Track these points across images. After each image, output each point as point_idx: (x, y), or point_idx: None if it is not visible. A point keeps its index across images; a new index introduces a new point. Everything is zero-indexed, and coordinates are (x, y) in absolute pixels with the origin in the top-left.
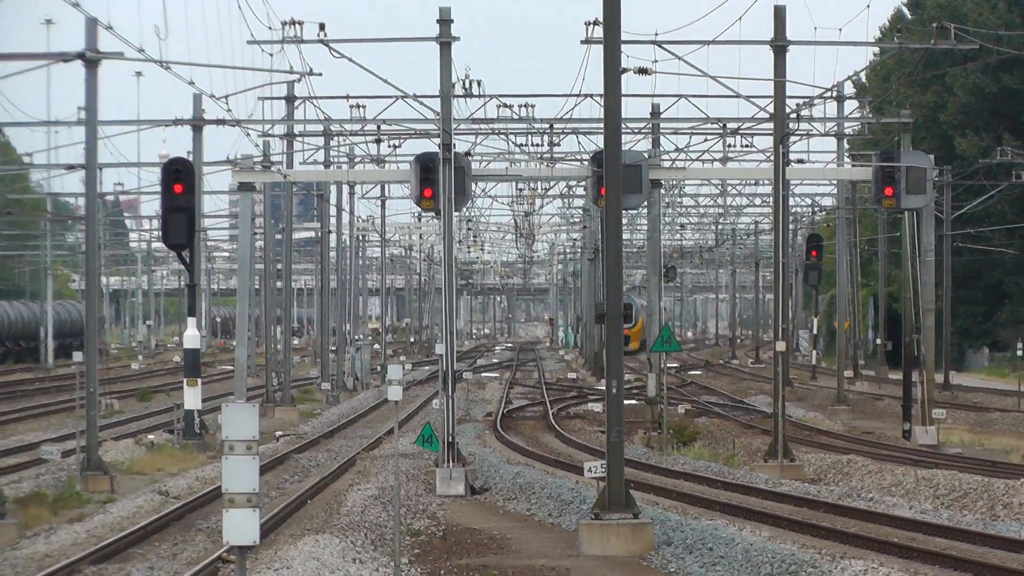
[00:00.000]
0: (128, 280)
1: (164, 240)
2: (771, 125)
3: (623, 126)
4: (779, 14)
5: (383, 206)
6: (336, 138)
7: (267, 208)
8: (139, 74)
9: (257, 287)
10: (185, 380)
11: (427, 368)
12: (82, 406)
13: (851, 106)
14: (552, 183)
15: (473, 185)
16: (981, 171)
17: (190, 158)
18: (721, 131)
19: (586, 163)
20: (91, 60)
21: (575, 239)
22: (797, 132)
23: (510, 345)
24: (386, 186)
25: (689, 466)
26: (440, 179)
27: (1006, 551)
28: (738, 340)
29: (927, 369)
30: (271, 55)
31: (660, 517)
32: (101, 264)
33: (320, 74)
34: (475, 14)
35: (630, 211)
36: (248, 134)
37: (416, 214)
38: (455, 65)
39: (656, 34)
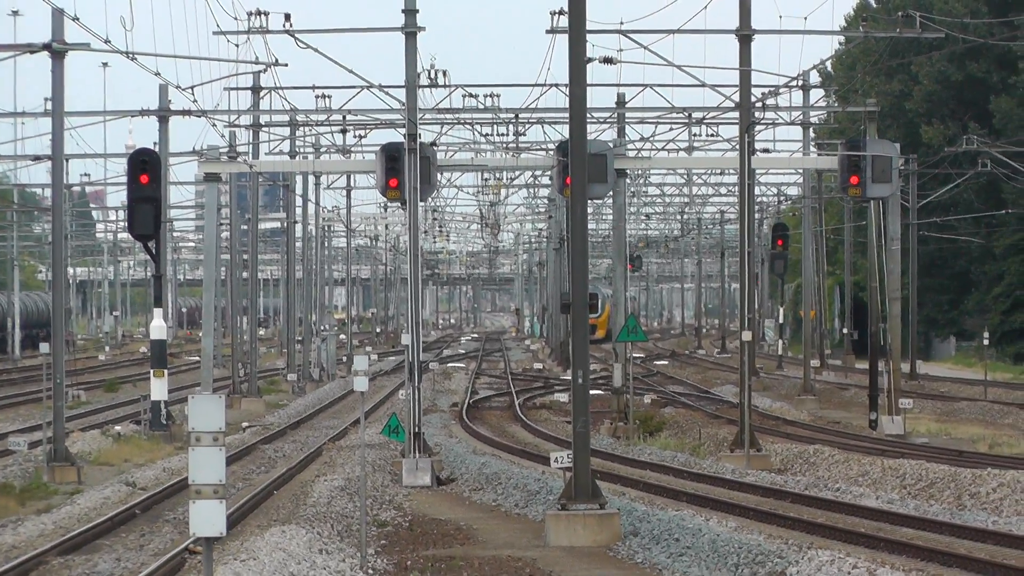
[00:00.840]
0: (95, 271)
1: (130, 231)
2: (737, 114)
3: (588, 116)
4: (744, 3)
5: (349, 196)
6: (302, 128)
7: (233, 198)
8: (105, 65)
9: (223, 277)
10: (152, 371)
11: (393, 358)
12: (49, 397)
13: (817, 95)
14: (517, 173)
15: (439, 175)
16: (947, 160)
17: (156, 149)
18: (687, 120)
19: (551, 153)
20: (57, 51)
21: (540, 229)
22: (763, 121)
23: (476, 335)
24: (352, 176)
25: (655, 456)
26: (405, 169)
27: (973, 541)
28: (704, 330)
29: (893, 358)
30: (237, 46)
31: (627, 507)
32: (68, 255)
33: (286, 64)
34: (441, 3)
35: (595, 200)
36: (214, 125)
37: (382, 204)
38: (420, 55)
39: (621, 23)
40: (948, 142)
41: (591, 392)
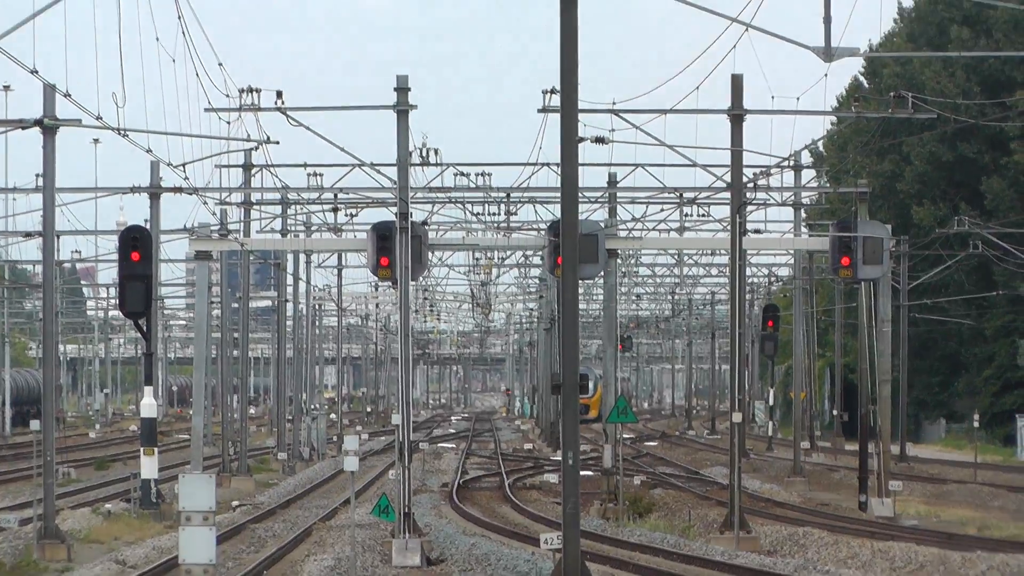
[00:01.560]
0: (85, 348)
1: (121, 308)
2: (728, 194)
3: (580, 195)
4: (736, 83)
5: (340, 275)
6: (293, 206)
7: (224, 276)
8: (96, 141)
9: (214, 356)
10: (142, 449)
11: (383, 438)
12: (39, 474)
13: (808, 175)
14: (509, 252)
15: (430, 254)
16: (938, 241)
17: (147, 226)
18: (678, 200)
19: (543, 232)
20: (49, 127)
21: (531, 308)
22: (754, 201)
23: (466, 415)
24: (343, 255)
25: (645, 538)
26: (396, 248)
27: None
28: (694, 410)
29: (883, 440)
30: (228, 123)
31: None
32: (58, 332)
33: (277, 142)
34: (433, 81)
35: (586, 281)
36: (205, 202)
37: (373, 283)
38: (412, 133)
39: (613, 103)
40: (939, 223)
41: (581, 473)
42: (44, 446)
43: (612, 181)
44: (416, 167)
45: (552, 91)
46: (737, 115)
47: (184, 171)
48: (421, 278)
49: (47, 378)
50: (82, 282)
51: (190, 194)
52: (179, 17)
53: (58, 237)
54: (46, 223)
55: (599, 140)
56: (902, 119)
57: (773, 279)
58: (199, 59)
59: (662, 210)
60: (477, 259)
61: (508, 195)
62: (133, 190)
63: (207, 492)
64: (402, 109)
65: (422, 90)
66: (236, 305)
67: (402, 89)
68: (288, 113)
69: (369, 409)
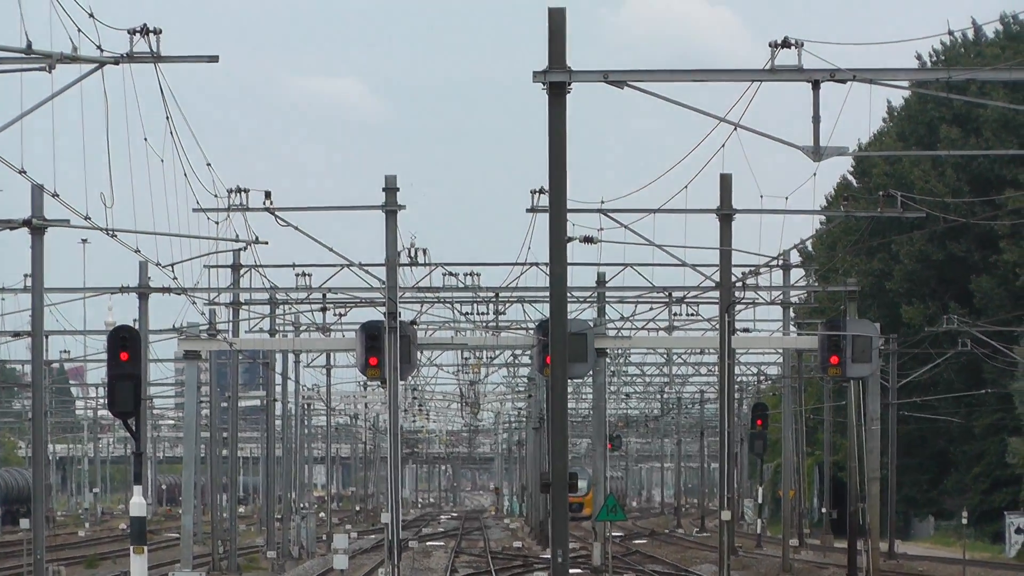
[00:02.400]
0: (75, 447)
1: (110, 408)
2: (717, 294)
3: (568, 295)
4: (725, 182)
5: (329, 374)
6: (282, 306)
7: (213, 376)
8: (85, 241)
9: (203, 455)
10: (132, 548)
11: (373, 536)
12: (30, 573)
13: (797, 274)
14: (498, 352)
15: (419, 354)
16: (927, 339)
17: (136, 326)
18: (667, 300)
19: (532, 332)
20: (37, 227)
21: (520, 408)
22: (743, 301)
23: (456, 514)
24: (332, 354)
25: None
26: (385, 348)
27: None
28: (683, 508)
29: (872, 538)
30: (217, 223)
31: None
32: (48, 431)
33: (266, 242)
34: (421, 180)
35: (575, 380)
36: (194, 302)
37: (362, 382)
38: (400, 233)
39: (602, 202)
40: (929, 322)
41: (570, 571)
42: (35, 545)
43: (601, 280)
44: (405, 267)
45: (540, 191)
46: (726, 215)
47: (173, 271)
48: (410, 377)
49: (37, 477)
50: (71, 382)
51: (179, 294)
52: (167, 117)
53: (47, 337)
54: (35, 323)
55: (588, 240)
56: (891, 218)
57: (762, 378)
58: (187, 159)
59: (651, 309)
60: (466, 358)
61: (497, 294)
62: (122, 290)
63: None
64: (391, 209)
65: (410, 190)
66: (225, 404)
67: (390, 189)
68: (277, 213)
69: (358, 508)
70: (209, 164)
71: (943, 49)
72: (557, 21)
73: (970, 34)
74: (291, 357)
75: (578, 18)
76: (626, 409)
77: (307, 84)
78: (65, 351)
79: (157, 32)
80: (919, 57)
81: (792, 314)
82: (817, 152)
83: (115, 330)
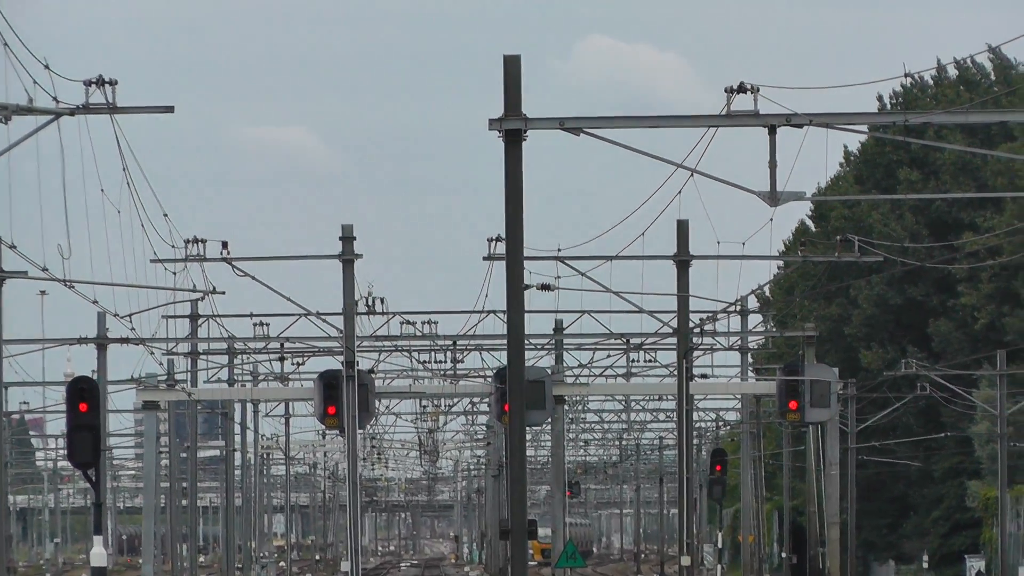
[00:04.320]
0: (35, 498)
1: (70, 459)
2: (675, 340)
3: (526, 342)
4: (682, 229)
5: (287, 424)
6: (240, 356)
7: (172, 426)
8: (43, 292)
9: (163, 505)
10: None
11: None
12: None
13: (755, 320)
14: (456, 400)
15: (377, 402)
16: (886, 383)
17: (95, 376)
18: (624, 346)
19: (489, 379)
20: None
21: (479, 455)
22: (701, 347)
23: (416, 562)
24: (290, 404)
25: None
26: (343, 397)
27: None
28: (643, 555)
29: None
30: (174, 273)
31: None
32: (8, 482)
33: (223, 292)
34: (377, 230)
35: (534, 427)
36: (152, 353)
37: (320, 431)
38: (358, 282)
39: (559, 249)
40: (887, 366)
41: None
42: None
43: (558, 328)
44: (362, 315)
45: (497, 239)
46: (683, 261)
47: (131, 322)
48: (368, 426)
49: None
50: (31, 432)
51: (137, 344)
52: (124, 168)
53: (6, 388)
54: None
55: (545, 287)
56: (849, 262)
57: (721, 423)
58: (144, 210)
59: (608, 356)
60: (424, 406)
61: (454, 343)
62: (80, 341)
63: None
64: (348, 259)
65: (367, 239)
66: (184, 455)
67: (347, 239)
68: (234, 263)
69: (318, 557)
70: (166, 215)
71: (901, 92)
72: (512, 69)
73: (928, 77)
74: (249, 407)
75: (529, 65)
76: (584, 456)
77: (260, 134)
78: (24, 402)
79: (113, 83)
80: (880, 98)
81: (750, 359)
82: (774, 197)
83: (74, 381)
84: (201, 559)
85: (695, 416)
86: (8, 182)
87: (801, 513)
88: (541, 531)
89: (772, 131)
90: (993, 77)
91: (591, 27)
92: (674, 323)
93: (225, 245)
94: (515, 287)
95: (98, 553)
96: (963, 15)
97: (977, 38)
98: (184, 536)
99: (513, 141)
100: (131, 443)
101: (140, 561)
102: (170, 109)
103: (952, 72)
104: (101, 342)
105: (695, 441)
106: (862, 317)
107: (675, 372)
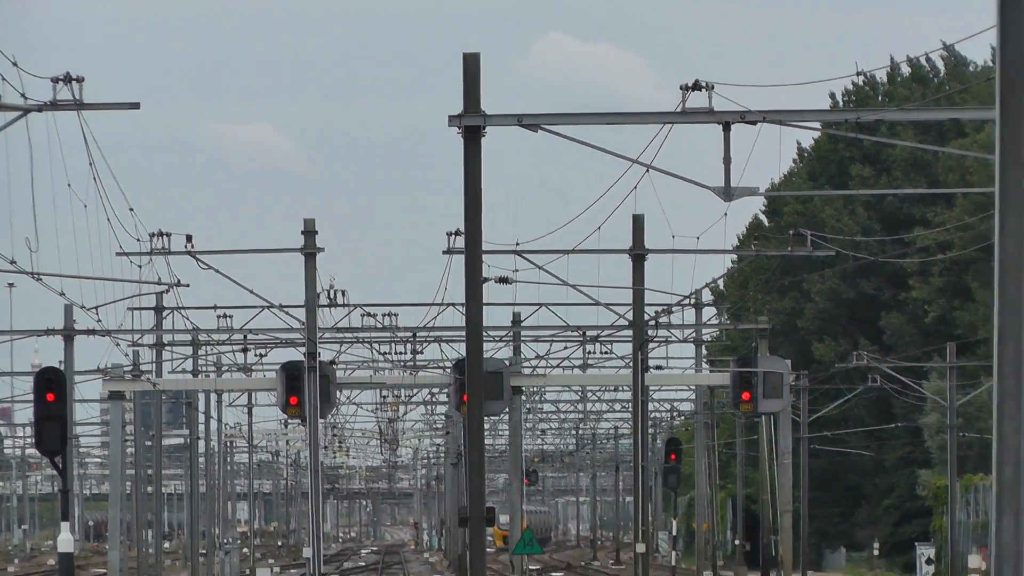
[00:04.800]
0: (3, 485)
1: (37, 447)
2: (630, 332)
3: (484, 334)
4: (637, 223)
5: (250, 413)
6: (204, 347)
7: (137, 415)
8: (11, 285)
9: (128, 492)
10: None
11: (295, 571)
12: None
13: (709, 313)
14: (415, 390)
15: (338, 392)
16: (838, 375)
17: (62, 367)
18: (581, 338)
19: (448, 370)
20: None
21: (438, 444)
22: (656, 339)
23: (376, 548)
24: (253, 394)
25: None
26: (305, 387)
27: None
28: (599, 541)
29: (785, 570)
30: (140, 266)
31: None
32: None
33: (188, 285)
34: (338, 224)
35: (492, 417)
36: (118, 344)
37: (283, 420)
38: (320, 275)
39: (517, 243)
40: (839, 358)
41: None
42: None
43: (516, 320)
44: (324, 308)
45: (456, 233)
46: (638, 255)
47: (97, 314)
48: (329, 415)
49: None
50: (0, 422)
51: (103, 336)
52: (90, 163)
53: None
54: None
55: (503, 280)
56: (802, 256)
57: (675, 413)
58: (110, 204)
59: (565, 348)
60: (384, 397)
61: (414, 335)
62: (47, 333)
63: None
64: (310, 252)
65: (329, 234)
66: (149, 443)
67: (309, 232)
68: (198, 256)
69: (280, 543)
70: (131, 209)
71: (854, 90)
72: (471, 66)
73: (881, 75)
74: (213, 397)
75: (489, 62)
76: (542, 445)
77: (224, 131)
78: None
79: (80, 80)
80: (832, 96)
81: (704, 351)
82: (728, 192)
83: (41, 372)
84: (166, 545)
85: (650, 406)
86: None
87: (754, 501)
88: (501, 519)
89: (726, 128)
90: (945, 75)
91: (550, 26)
92: (630, 316)
93: (189, 239)
94: (474, 280)
95: (65, 539)
96: (917, 16)
97: (932, 37)
98: (150, 523)
99: (472, 137)
100: (97, 432)
101: (107, 547)
102: (136, 106)
103: (905, 70)
104: (68, 333)
105: (650, 431)
106: (815, 310)
107: (631, 363)
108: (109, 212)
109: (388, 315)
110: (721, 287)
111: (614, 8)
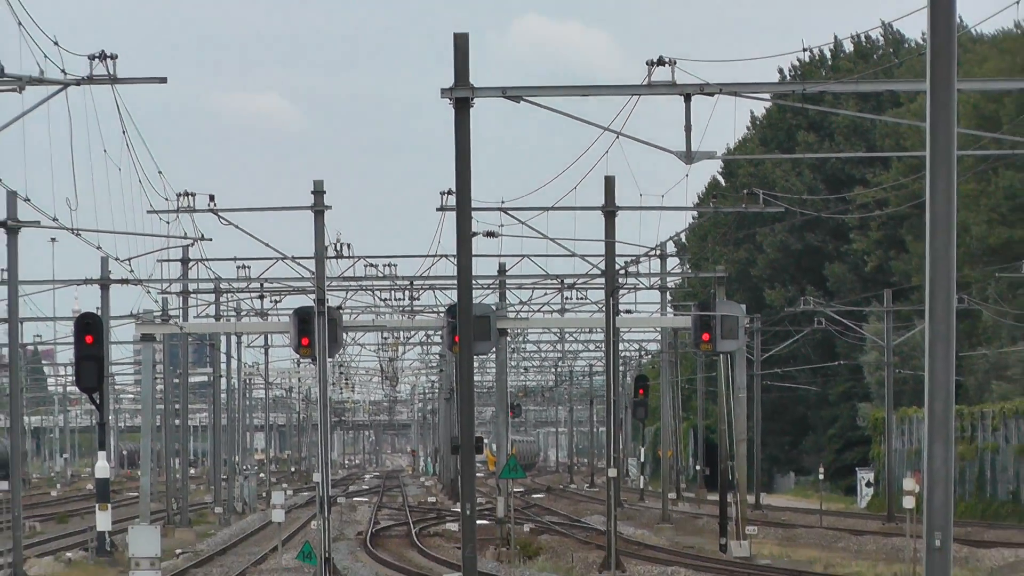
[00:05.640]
0: (47, 418)
1: (77, 384)
2: (603, 280)
3: (474, 283)
4: (609, 184)
5: (266, 353)
6: (225, 295)
7: (166, 356)
8: (54, 240)
9: (158, 424)
10: (97, 505)
11: (306, 494)
12: (8, 528)
13: (673, 263)
14: (413, 332)
15: (344, 334)
16: (787, 318)
17: (99, 313)
18: (559, 286)
19: (442, 315)
20: (12, 228)
21: (433, 380)
22: (625, 286)
23: (377, 474)
24: (269, 336)
25: None
26: (315, 330)
27: None
28: (575, 467)
29: (740, 491)
30: (168, 223)
31: None
32: (23, 405)
33: (211, 239)
34: (344, 182)
35: (480, 356)
36: (149, 292)
37: (295, 360)
38: (328, 230)
39: (502, 201)
40: (788, 303)
41: (477, 522)
42: (13, 504)
43: (502, 270)
44: (331, 259)
45: (448, 192)
46: (610, 211)
47: (130, 265)
48: (337, 355)
49: (14, 445)
50: (43, 362)
51: (135, 285)
52: (123, 131)
53: (22, 323)
54: (11, 312)
55: (490, 234)
56: (755, 213)
57: (643, 353)
58: (141, 167)
59: (545, 294)
60: (385, 338)
61: (411, 283)
62: (86, 282)
63: (153, 541)
64: (318, 209)
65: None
66: (177, 381)
67: (318, 192)
68: (220, 214)
69: (293, 469)
70: (160, 172)
71: (799, 65)
72: (461, 44)
73: (826, 51)
74: (233, 339)
75: (474, 40)
76: (525, 381)
77: (240, 100)
78: (38, 335)
79: (113, 57)
80: (781, 71)
81: (668, 297)
82: (689, 156)
83: (81, 317)
84: (192, 471)
85: (621, 346)
86: (23, 144)
87: (713, 431)
88: (494, 447)
89: (687, 99)
90: (883, 51)
91: (526, 7)
92: (602, 266)
93: (212, 198)
94: (464, 234)
95: (102, 466)
96: None
97: (873, 16)
98: (177, 451)
99: (462, 108)
100: (130, 371)
101: (139, 473)
102: (163, 80)
103: (848, 47)
104: (104, 282)
105: (621, 368)
106: (766, 261)
107: (603, 308)
108: (140, 175)
109: (388, 265)
110: (683, 240)
111: None
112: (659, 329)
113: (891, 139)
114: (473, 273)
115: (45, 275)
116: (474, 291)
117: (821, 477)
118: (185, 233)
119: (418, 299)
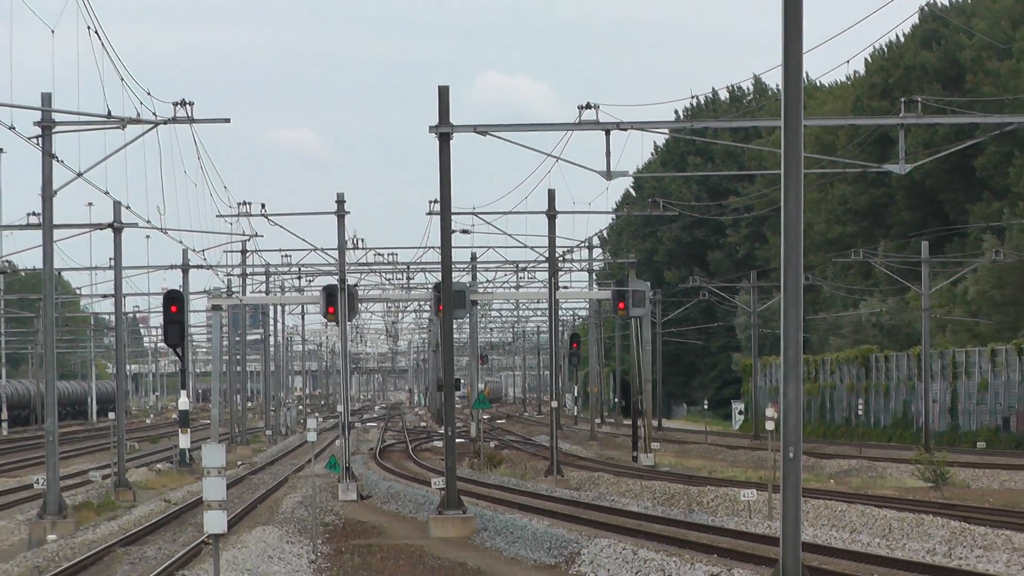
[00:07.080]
0: (143, 367)
1: (165, 341)
2: (547, 265)
3: (453, 267)
4: (551, 195)
5: (303, 319)
6: (272, 276)
7: (230, 320)
8: (148, 236)
9: (224, 370)
10: (179, 429)
11: (332, 420)
12: (114, 446)
13: (597, 252)
14: (409, 303)
15: (359, 305)
16: (680, 292)
17: (181, 289)
18: (515, 269)
19: (430, 290)
20: (117, 228)
21: (424, 338)
22: (563, 269)
23: (384, 406)
24: (304, 306)
25: (497, 480)
26: (338, 301)
27: (699, 532)
28: (528, 401)
29: (647, 417)
30: (231, 223)
31: (480, 513)
32: (126, 357)
33: (262, 236)
34: (358, 193)
35: (458, 320)
36: (217, 274)
37: (324, 323)
38: (347, 228)
39: (474, 207)
40: (681, 281)
41: (457, 440)
42: (118, 428)
43: (473, 257)
44: (350, 250)
45: (434, 201)
46: (552, 215)
47: (203, 255)
48: (354, 319)
49: (119, 385)
50: (140, 326)
51: (208, 269)
52: (198, 157)
53: (124, 298)
54: (117, 289)
55: (465, 232)
56: (657, 215)
57: (576, 317)
58: (211, 184)
59: (505, 275)
60: (389, 307)
61: (408, 267)
62: (171, 267)
63: (220, 455)
64: (340, 214)
65: (352, 201)
66: (238, 339)
67: (340, 202)
68: (269, 217)
69: (323, 402)
70: (226, 187)
71: (691, 107)
72: (443, 93)
73: (709, 95)
74: (279, 308)
75: (452, 90)
76: (490, 338)
77: (279, 134)
78: (136, 306)
79: (191, 104)
80: (676, 111)
81: (594, 277)
82: (609, 175)
83: (168, 292)
84: (249, 404)
85: (560, 313)
86: (125, 167)
87: (627, 373)
88: (480, 385)
89: (608, 133)
90: (751, 96)
91: (487, 67)
92: (546, 254)
93: (263, 206)
94: (446, 231)
95: (183, 401)
96: (735, 54)
97: (745, 70)
98: (237, 390)
99: (444, 140)
100: (204, 332)
101: (210, 406)
102: (227, 120)
103: (724, 95)
104: (185, 267)
105: (560, 328)
106: (665, 250)
107: (547, 285)
108: (210, 188)
109: (391, 254)
110: (605, 235)
111: (530, 52)
112: (588, 300)
113: (755, 161)
114: (452, 260)
115: (141, 262)
116: (453, 273)
117: (706, 407)
118: (244, 231)
119: (413, 279)
